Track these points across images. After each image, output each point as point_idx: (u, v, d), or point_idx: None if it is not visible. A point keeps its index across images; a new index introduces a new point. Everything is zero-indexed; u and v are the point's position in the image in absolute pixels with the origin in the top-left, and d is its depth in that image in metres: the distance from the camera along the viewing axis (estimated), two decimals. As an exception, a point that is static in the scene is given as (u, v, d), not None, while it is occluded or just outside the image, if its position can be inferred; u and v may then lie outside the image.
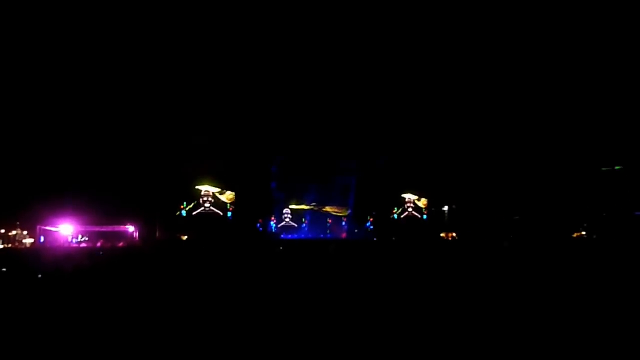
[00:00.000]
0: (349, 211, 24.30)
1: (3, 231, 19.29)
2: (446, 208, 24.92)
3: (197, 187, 22.25)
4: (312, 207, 24.12)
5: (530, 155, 22.66)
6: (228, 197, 22.47)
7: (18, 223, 19.54)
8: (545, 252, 13.52)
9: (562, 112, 21.41)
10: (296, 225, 24.16)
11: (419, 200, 25.48)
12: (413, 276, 8.25)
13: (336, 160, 23.06)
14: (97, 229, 21.10)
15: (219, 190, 22.59)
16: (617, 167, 21.80)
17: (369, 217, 24.66)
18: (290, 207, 24.28)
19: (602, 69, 19.42)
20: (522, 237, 19.84)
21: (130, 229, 21.51)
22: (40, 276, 7.98)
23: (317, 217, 24.30)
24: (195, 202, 22.19)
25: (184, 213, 21.88)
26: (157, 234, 21.51)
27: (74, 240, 20.56)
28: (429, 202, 25.40)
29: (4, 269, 8.82)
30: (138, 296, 5.99)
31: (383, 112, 21.22)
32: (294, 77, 20.03)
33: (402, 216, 24.99)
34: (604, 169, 22.00)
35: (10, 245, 19.06)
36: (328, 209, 24.34)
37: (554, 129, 21.86)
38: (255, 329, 4.15)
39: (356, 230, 24.35)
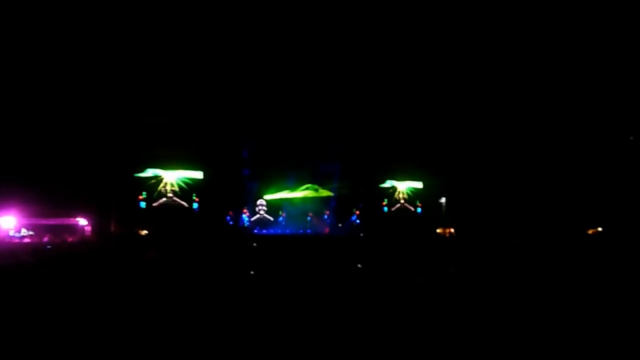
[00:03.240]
0: (332, 191, 24.84)
1: None
2: (443, 200, 25.49)
3: (158, 175, 22.45)
4: (289, 192, 24.63)
5: (542, 139, 23.32)
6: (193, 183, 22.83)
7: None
8: (560, 251, 13.92)
9: (580, 97, 22.24)
10: (272, 219, 24.74)
11: (412, 190, 26.06)
12: (405, 280, 8.70)
13: (318, 143, 23.37)
14: (43, 221, 20.98)
15: (183, 178, 22.90)
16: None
17: (354, 210, 25.40)
18: (265, 197, 24.85)
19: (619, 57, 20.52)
20: (535, 233, 20.02)
21: (82, 222, 21.66)
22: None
23: (296, 210, 24.79)
24: (157, 191, 22.47)
25: (142, 204, 22.27)
26: (112, 228, 21.85)
27: (16, 235, 20.27)
28: (423, 192, 26.02)
29: None
30: (90, 298, 6.36)
31: (373, 85, 21.75)
32: (268, 47, 20.46)
33: (393, 209, 25.58)
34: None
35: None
36: (307, 192, 24.92)
37: (571, 113, 22.60)
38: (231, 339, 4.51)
39: (340, 225, 25.11)
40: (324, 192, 25.27)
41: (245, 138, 23.54)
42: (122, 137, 21.74)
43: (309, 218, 25.16)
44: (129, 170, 22.25)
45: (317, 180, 24.96)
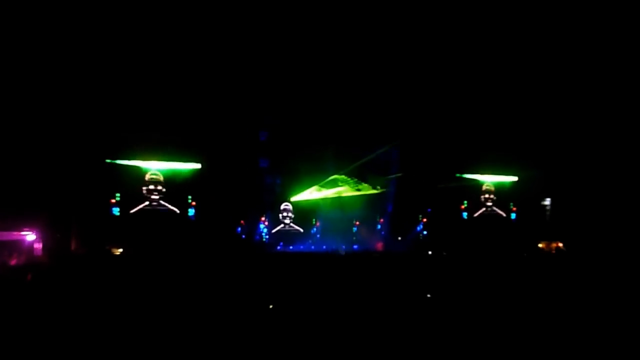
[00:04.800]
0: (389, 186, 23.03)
1: None
2: (548, 201, 24.30)
3: (138, 168, 20.45)
4: (324, 190, 22.89)
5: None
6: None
7: None
8: None
9: None
10: (302, 230, 22.74)
11: (502, 187, 24.77)
12: (495, 320, 8.45)
13: (368, 118, 21.08)
14: (-22, 236, 19.73)
15: (174, 171, 20.87)
16: None
17: (420, 217, 23.79)
18: (292, 199, 22.80)
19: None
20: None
21: (29, 236, 19.75)
22: None
23: (335, 216, 22.98)
24: (136, 192, 20.47)
25: (116, 210, 20.18)
26: (73, 245, 20.08)
27: None
28: (519, 190, 24.57)
29: None
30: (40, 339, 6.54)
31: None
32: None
33: (476, 215, 24.23)
34: None
35: None
36: (344, 188, 23.04)
37: None
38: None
39: (400, 238, 23.27)
40: (374, 189, 23.58)
41: (263, 113, 21.33)
42: (84, 114, 19.47)
43: (354, 228, 23.36)
44: (96, 162, 20.05)
45: (367, 172, 23.09)
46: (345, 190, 23.52)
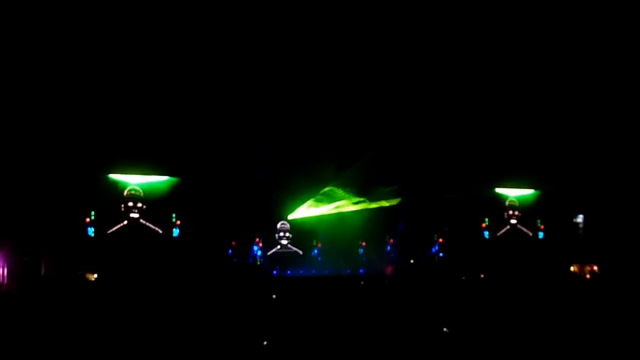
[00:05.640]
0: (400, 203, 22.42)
1: None
2: (581, 218, 23.68)
3: (116, 182, 19.93)
4: (324, 205, 22.06)
5: None
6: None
7: None
8: None
9: None
10: (301, 252, 21.97)
11: (527, 202, 24.01)
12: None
13: (375, 124, 20.51)
14: None
15: (155, 186, 20.31)
16: None
17: (435, 237, 23.00)
18: (289, 217, 22.09)
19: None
20: None
21: None
22: None
23: (338, 236, 22.19)
24: (114, 210, 19.83)
25: (91, 231, 19.55)
26: (43, 270, 19.50)
27: None
28: (547, 205, 23.84)
29: None
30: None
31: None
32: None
33: (499, 234, 23.48)
34: None
35: None
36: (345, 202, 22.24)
37: None
38: None
39: (412, 261, 22.59)
40: (380, 203, 22.82)
41: (259, 120, 20.77)
42: (54, 122, 19.12)
43: (361, 250, 22.60)
44: (68, 176, 19.46)
45: (373, 184, 22.25)
46: (346, 204, 22.85)
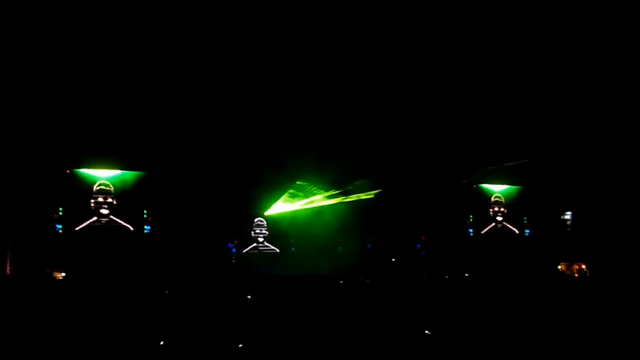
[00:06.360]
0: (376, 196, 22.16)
1: None
2: (569, 215, 23.86)
3: (85, 176, 20.00)
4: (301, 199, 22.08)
5: None
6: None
7: None
8: None
9: None
10: (278, 250, 21.97)
11: (513, 197, 24.14)
12: None
13: (352, 108, 19.89)
14: None
15: (125, 179, 20.38)
16: None
17: (418, 234, 23.01)
18: (266, 213, 22.03)
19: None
20: None
21: None
22: None
23: (315, 233, 22.21)
24: (83, 205, 19.81)
25: (59, 227, 19.58)
26: (8, 269, 19.49)
27: None
28: (533, 200, 24.00)
29: None
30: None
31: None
32: None
33: (484, 231, 23.58)
34: None
35: None
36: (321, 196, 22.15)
37: None
38: None
39: (393, 259, 22.55)
40: (358, 195, 22.62)
41: (233, 111, 20.20)
42: (18, 113, 18.79)
43: (339, 248, 22.59)
44: (34, 170, 19.45)
45: (351, 175, 21.97)
46: (323, 198, 22.75)
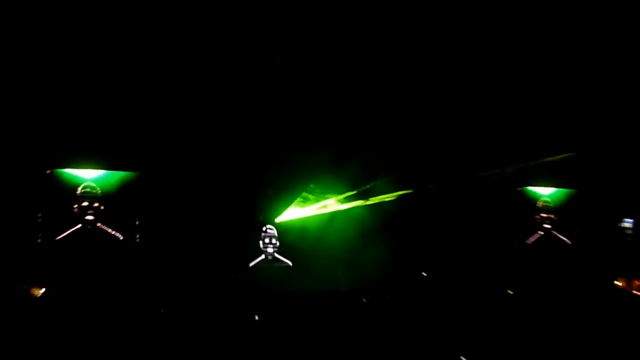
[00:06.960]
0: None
1: None
2: (629, 223, 22.94)
3: (69, 177, 19.30)
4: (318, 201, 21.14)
5: None
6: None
7: None
8: None
9: None
10: (290, 264, 21.01)
11: (562, 202, 23.20)
12: None
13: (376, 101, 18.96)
14: None
15: (113, 181, 19.62)
16: None
17: (453, 243, 21.74)
18: (277, 220, 21.06)
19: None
20: None
21: None
22: None
23: (332, 243, 21.10)
24: (65, 211, 19.07)
25: (37, 236, 18.76)
26: None
27: None
28: (585, 206, 22.97)
29: None
30: None
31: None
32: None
33: (530, 240, 22.72)
34: None
35: None
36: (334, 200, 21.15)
37: None
38: None
39: (424, 274, 21.49)
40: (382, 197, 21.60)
41: (237, 104, 19.51)
42: None
43: (360, 259, 20.96)
44: (7, 169, 18.71)
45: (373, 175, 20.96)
46: (342, 202, 21.93)
